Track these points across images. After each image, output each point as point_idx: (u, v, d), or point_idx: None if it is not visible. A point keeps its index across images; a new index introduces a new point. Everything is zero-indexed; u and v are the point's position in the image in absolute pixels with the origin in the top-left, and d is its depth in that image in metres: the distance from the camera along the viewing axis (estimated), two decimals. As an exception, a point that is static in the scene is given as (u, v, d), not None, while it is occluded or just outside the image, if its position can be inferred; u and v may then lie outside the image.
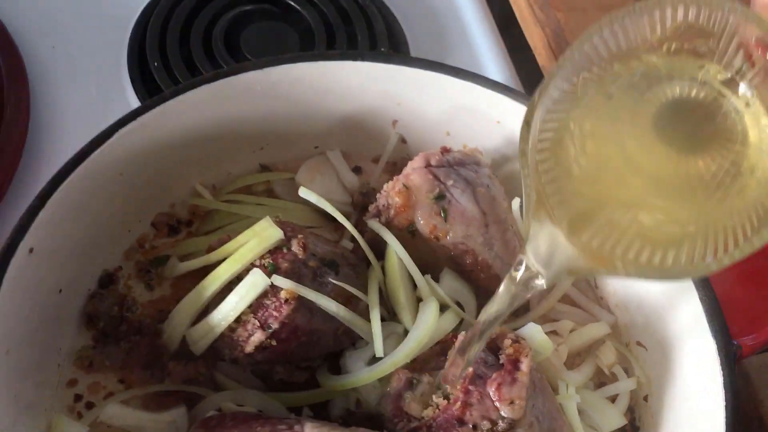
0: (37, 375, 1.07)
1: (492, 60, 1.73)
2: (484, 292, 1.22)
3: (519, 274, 0.87)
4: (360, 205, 1.35)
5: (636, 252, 0.75)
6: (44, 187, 1.04)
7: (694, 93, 0.77)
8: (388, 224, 1.17)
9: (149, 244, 1.28)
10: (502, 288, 0.90)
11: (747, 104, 0.75)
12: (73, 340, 1.16)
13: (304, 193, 1.22)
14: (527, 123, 0.83)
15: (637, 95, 0.79)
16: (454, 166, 1.19)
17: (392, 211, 1.16)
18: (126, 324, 1.17)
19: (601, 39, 0.78)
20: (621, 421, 1.17)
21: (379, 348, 1.08)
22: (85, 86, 1.55)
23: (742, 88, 0.75)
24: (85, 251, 1.15)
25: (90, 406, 1.13)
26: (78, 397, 1.13)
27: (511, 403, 0.96)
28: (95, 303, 1.17)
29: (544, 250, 0.82)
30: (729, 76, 0.75)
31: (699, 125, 0.78)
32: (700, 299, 1.08)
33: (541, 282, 0.86)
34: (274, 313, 1.05)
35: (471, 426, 0.96)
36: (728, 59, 0.74)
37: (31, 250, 1.01)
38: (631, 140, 0.78)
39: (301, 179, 1.35)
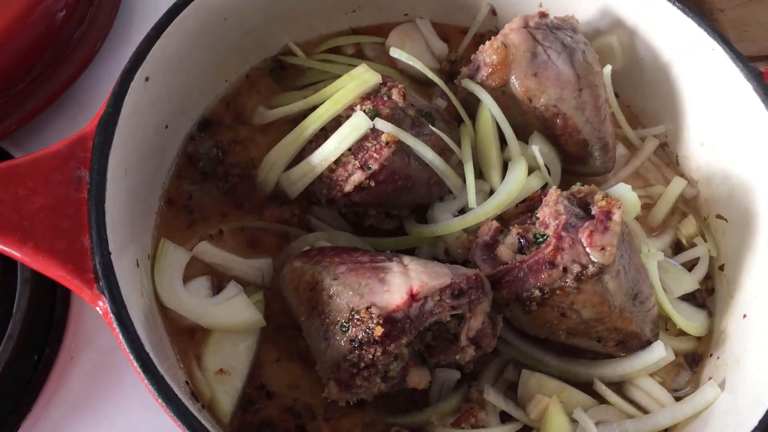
0: (146, 202, 1.13)
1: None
2: (569, 158, 1.24)
3: None
4: (448, 71, 1.37)
5: None
6: (160, 19, 1.07)
7: None
8: (482, 84, 1.19)
9: (244, 94, 1.31)
10: None
11: None
12: (175, 176, 1.21)
13: (394, 52, 1.24)
14: None
15: None
16: (552, 29, 1.20)
17: (488, 70, 1.18)
18: (223, 166, 1.22)
19: None
20: (693, 286, 1.21)
21: (472, 198, 1.12)
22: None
23: None
24: (189, 91, 1.19)
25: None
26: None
27: (602, 249, 0.99)
28: (195, 144, 1.22)
29: None
30: None
31: None
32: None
33: None
34: (374, 155, 1.08)
35: (561, 269, 1.00)
36: None
37: (147, 79, 1.05)
38: None
39: (392, 43, 1.37)
